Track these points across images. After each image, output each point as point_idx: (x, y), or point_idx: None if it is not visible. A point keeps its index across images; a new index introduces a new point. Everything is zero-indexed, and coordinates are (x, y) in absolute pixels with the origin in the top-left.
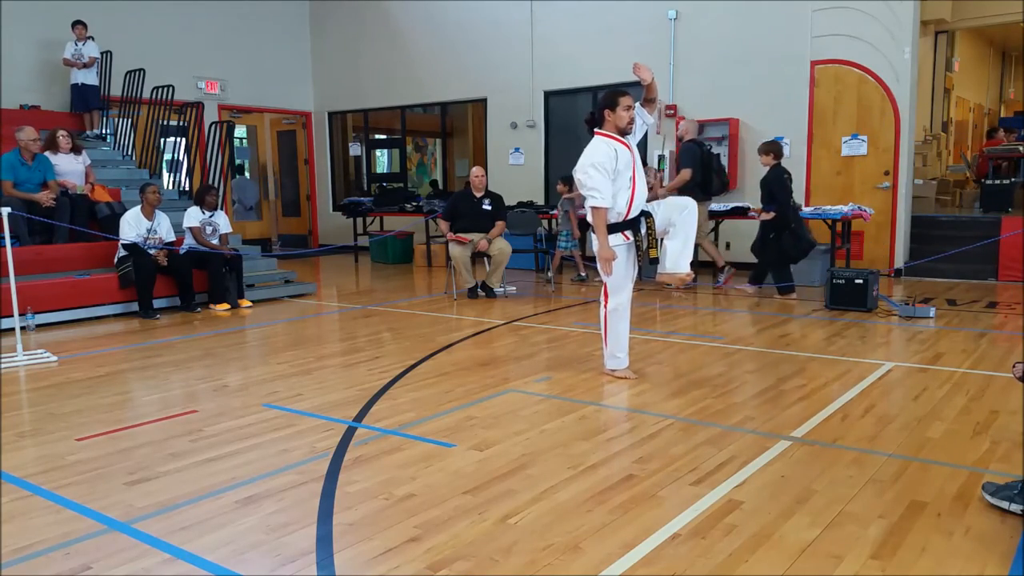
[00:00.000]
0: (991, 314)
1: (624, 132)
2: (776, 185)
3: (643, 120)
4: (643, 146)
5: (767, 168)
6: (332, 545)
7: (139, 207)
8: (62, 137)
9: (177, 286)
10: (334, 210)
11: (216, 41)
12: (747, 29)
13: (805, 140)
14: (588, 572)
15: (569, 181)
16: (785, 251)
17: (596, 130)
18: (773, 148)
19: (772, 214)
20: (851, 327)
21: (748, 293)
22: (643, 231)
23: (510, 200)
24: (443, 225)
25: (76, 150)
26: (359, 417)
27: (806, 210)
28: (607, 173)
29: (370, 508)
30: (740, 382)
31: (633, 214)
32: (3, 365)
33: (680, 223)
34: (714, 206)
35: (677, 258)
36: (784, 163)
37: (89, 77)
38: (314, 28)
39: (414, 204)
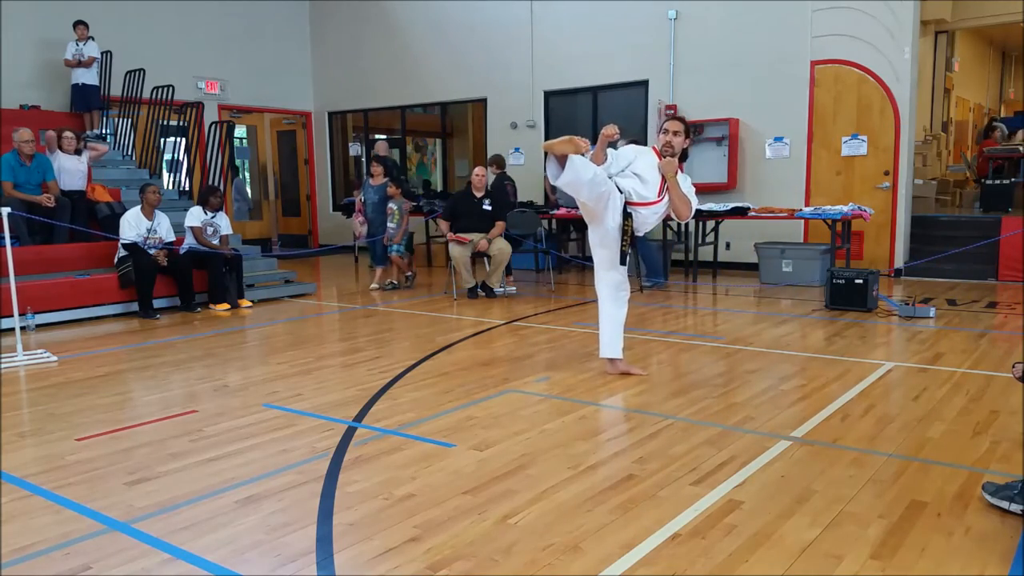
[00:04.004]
0: (991, 314)
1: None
2: (501, 192)
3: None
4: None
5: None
6: (332, 545)
7: (139, 207)
8: (66, 138)
9: (177, 286)
10: (334, 210)
11: (216, 41)
12: (747, 29)
13: (805, 140)
14: (588, 572)
15: (399, 182)
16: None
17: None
18: (496, 160)
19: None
20: (851, 327)
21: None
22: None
23: None
24: (443, 225)
25: (78, 151)
26: (359, 417)
27: (806, 210)
28: (616, 159)
29: (370, 508)
30: (740, 382)
31: (655, 208)
32: (3, 365)
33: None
34: (713, 206)
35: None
36: (785, 163)
37: (89, 77)
38: (314, 28)
39: (414, 204)
